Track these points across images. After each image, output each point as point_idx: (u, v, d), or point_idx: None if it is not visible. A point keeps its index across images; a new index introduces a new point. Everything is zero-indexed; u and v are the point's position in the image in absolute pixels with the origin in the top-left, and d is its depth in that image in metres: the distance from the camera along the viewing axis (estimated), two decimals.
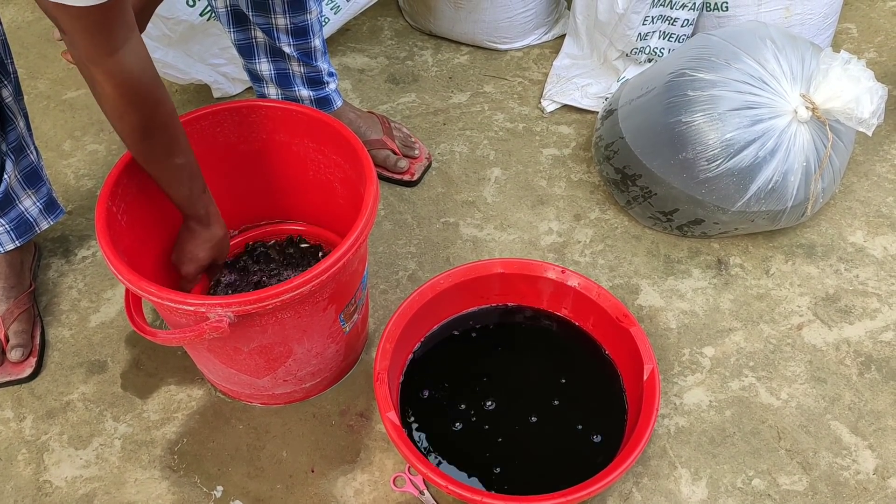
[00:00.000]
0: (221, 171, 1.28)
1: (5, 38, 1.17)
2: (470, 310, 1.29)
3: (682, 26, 1.67)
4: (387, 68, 1.85)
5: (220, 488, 1.18)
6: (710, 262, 1.45)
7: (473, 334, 1.28)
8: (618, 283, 1.42)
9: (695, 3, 1.63)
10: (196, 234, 1.17)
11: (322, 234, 1.40)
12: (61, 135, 1.69)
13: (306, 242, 1.39)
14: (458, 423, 1.18)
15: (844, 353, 1.32)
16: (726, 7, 1.63)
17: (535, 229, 1.51)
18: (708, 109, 1.34)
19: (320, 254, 1.37)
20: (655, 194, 1.43)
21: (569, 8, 1.85)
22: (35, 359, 1.30)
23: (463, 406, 1.20)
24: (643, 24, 1.66)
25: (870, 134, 1.28)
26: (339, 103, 1.53)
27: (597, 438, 1.16)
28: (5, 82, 1.19)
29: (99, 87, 0.95)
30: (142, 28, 1.27)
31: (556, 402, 1.20)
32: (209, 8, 1.59)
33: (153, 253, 1.20)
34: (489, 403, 1.20)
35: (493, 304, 1.30)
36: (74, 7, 0.84)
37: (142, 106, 0.98)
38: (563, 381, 1.23)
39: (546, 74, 1.81)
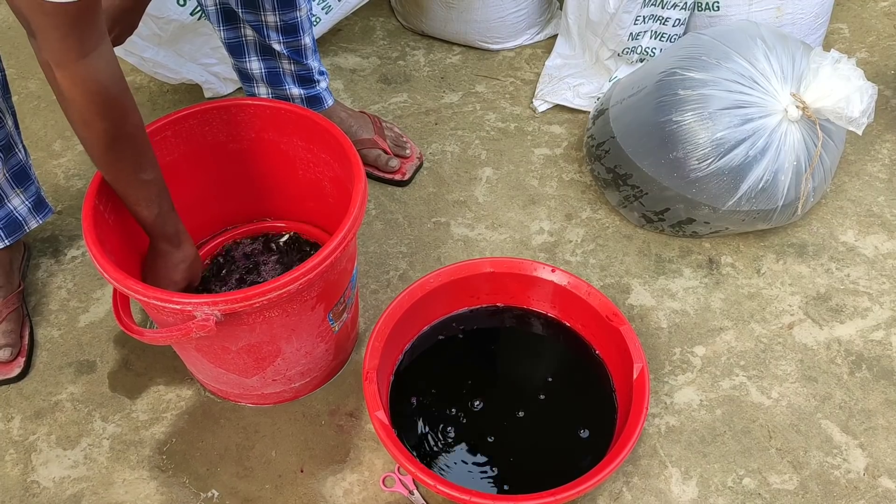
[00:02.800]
0: (210, 170, 1.27)
1: None
2: (460, 310, 1.29)
3: (673, 26, 1.67)
4: (378, 68, 1.85)
5: (205, 486, 1.17)
6: (701, 262, 1.44)
7: (463, 335, 1.28)
8: (609, 282, 1.42)
9: (686, 3, 1.63)
10: (168, 256, 1.13)
11: (313, 232, 1.40)
12: (52, 135, 1.68)
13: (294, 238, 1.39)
14: (449, 427, 1.17)
15: (835, 352, 1.31)
16: (717, 6, 1.63)
17: (526, 229, 1.51)
18: (698, 108, 1.34)
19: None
20: (646, 194, 1.42)
21: (560, 8, 1.85)
22: (24, 359, 1.29)
23: (454, 408, 1.19)
24: (634, 24, 1.66)
25: (860, 133, 1.28)
26: (329, 102, 1.52)
27: (587, 437, 1.16)
28: None
29: (67, 92, 0.92)
30: (133, 27, 1.26)
31: (547, 402, 1.20)
32: (199, 7, 1.58)
33: (141, 252, 1.19)
34: (478, 404, 1.19)
35: (483, 304, 1.29)
36: (49, 3, 0.82)
37: (109, 114, 0.95)
38: (554, 380, 1.22)
39: (538, 74, 1.80)
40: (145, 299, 1.00)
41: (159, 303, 0.99)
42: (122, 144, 0.99)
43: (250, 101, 1.23)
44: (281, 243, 1.37)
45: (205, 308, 0.98)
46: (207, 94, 1.74)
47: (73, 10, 0.84)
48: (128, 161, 1.02)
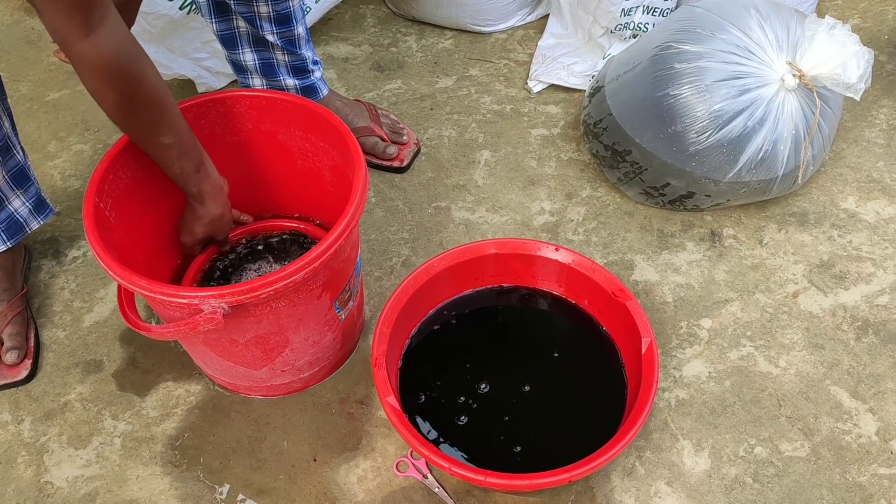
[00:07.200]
0: None
1: None
2: (465, 292, 1.29)
3: (665, 0, 1.66)
4: (371, 56, 1.84)
5: (219, 480, 1.18)
6: (703, 235, 1.44)
7: (469, 317, 1.28)
8: (612, 259, 1.42)
9: None
10: (192, 209, 1.19)
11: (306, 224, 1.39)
12: (46, 136, 1.67)
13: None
14: (463, 417, 1.17)
15: (841, 319, 1.32)
16: None
17: (527, 210, 1.50)
18: (695, 81, 1.33)
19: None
20: (646, 169, 1.42)
21: None
22: (30, 361, 1.29)
23: (466, 393, 1.19)
24: (626, 0, 1.65)
25: (858, 99, 1.28)
26: (324, 92, 1.52)
27: (598, 413, 1.16)
28: None
29: (76, 66, 0.96)
30: (128, 25, 1.25)
31: (556, 380, 1.20)
32: (189, 0, 1.57)
33: (144, 247, 1.19)
34: (486, 387, 1.19)
35: (489, 286, 1.29)
36: None
37: (118, 86, 0.98)
38: (563, 358, 1.22)
39: (531, 55, 1.80)
40: (151, 294, 0.99)
41: (165, 297, 0.99)
42: (135, 111, 1.02)
43: (246, 93, 1.22)
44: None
45: (211, 301, 0.98)
46: (200, 89, 1.73)
47: None
48: (144, 126, 1.05)
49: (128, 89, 0.99)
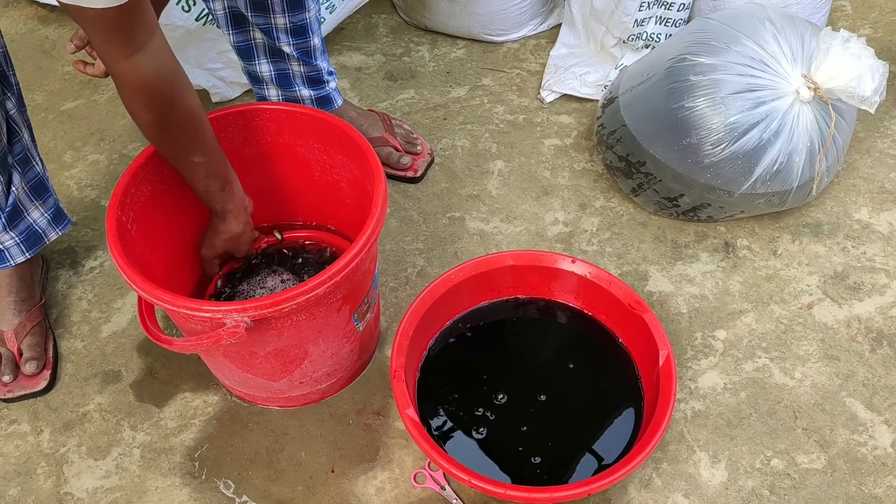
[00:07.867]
0: None
1: (6, 50, 1.17)
2: (482, 303, 1.30)
3: (678, 10, 1.67)
4: (384, 65, 1.85)
5: (237, 491, 1.18)
6: (717, 246, 1.45)
7: (486, 328, 1.28)
8: (626, 270, 1.42)
9: None
10: (214, 225, 1.22)
11: (324, 237, 1.40)
12: (62, 146, 1.68)
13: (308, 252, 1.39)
14: (481, 428, 1.17)
15: (856, 330, 1.32)
16: None
17: (541, 220, 1.51)
18: (710, 94, 1.34)
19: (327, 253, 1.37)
20: (660, 180, 1.43)
21: None
22: (49, 371, 1.30)
23: (485, 406, 1.19)
24: (639, 10, 1.66)
25: (872, 111, 1.29)
26: (339, 102, 1.53)
27: (614, 426, 1.17)
28: (8, 94, 1.18)
29: (116, 85, 0.99)
30: None
31: (573, 392, 1.21)
32: (205, 12, 1.58)
33: (164, 258, 1.20)
34: (503, 398, 1.20)
35: (505, 297, 1.30)
36: (89, 9, 0.87)
37: (154, 108, 1.00)
38: (580, 370, 1.23)
39: (543, 65, 1.80)
40: (174, 308, 1.00)
41: (188, 311, 0.99)
42: (169, 132, 1.05)
43: (266, 106, 1.23)
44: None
45: (234, 315, 0.99)
46: (215, 99, 1.74)
47: (112, 14, 0.88)
48: (176, 146, 1.08)
49: (164, 111, 1.01)
